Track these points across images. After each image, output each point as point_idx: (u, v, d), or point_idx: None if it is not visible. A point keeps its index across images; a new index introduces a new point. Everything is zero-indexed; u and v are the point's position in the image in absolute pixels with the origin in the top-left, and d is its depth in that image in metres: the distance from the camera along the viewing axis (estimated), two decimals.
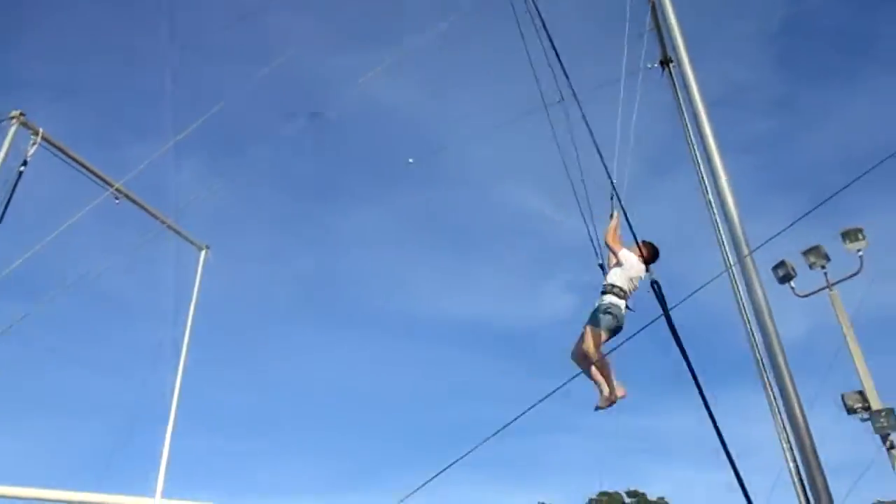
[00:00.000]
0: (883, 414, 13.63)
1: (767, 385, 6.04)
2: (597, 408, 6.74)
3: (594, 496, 25.71)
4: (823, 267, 15.32)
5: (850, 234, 14.87)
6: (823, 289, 15.24)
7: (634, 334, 4.99)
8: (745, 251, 4.85)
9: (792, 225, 4.80)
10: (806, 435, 4.55)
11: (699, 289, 4.27)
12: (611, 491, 24.93)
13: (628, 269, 6.85)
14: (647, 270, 6.74)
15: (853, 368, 14.54)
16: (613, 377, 6.68)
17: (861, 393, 14.19)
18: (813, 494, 4.81)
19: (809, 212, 4.34)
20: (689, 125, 7.48)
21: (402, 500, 5.37)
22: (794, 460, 5.26)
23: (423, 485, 5.20)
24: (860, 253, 14.88)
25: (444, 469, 5.13)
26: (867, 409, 13.96)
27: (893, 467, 13.43)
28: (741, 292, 6.58)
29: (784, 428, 5.52)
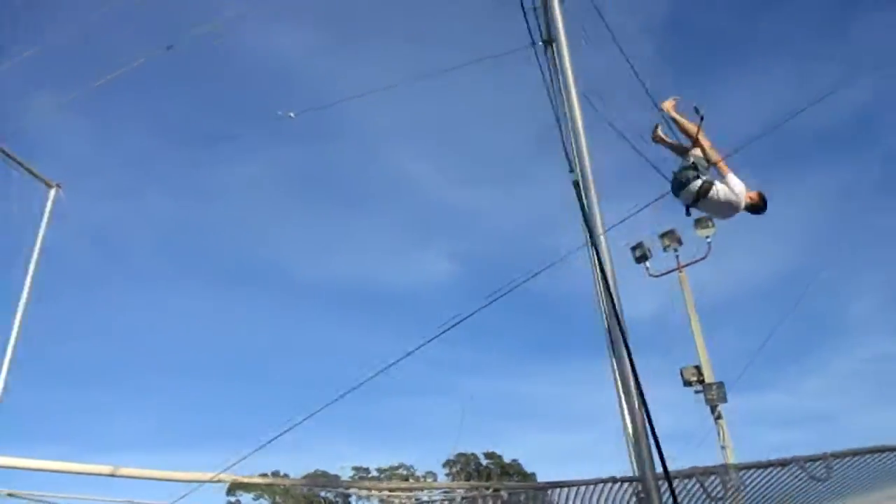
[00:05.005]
0: (714, 387, 15.00)
1: (610, 354, 6.46)
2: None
3: (451, 457, 26.57)
4: (676, 250, 16.51)
5: (701, 221, 16.01)
6: (673, 270, 16.45)
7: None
8: (600, 231, 5.14)
9: (644, 208, 5.11)
10: (639, 405, 4.92)
11: (551, 265, 4.50)
12: (468, 452, 25.83)
13: (736, 192, 6.21)
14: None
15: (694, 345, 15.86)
16: None
17: (698, 367, 15.51)
18: (642, 458, 5.21)
19: (657, 198, 4.64)
20: (563, 106, 7.72)
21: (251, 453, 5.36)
22: (631, 425, 5.68)
23: (276, 437, 5.20)
24: (709, 239, 16.14)
25: (298, 423, 5.14)
26: (701, 382, 15.29)
27: (719, 435, 14.83)
28: (595, 269, 6.97)
29: (620, 395, 5.93)
